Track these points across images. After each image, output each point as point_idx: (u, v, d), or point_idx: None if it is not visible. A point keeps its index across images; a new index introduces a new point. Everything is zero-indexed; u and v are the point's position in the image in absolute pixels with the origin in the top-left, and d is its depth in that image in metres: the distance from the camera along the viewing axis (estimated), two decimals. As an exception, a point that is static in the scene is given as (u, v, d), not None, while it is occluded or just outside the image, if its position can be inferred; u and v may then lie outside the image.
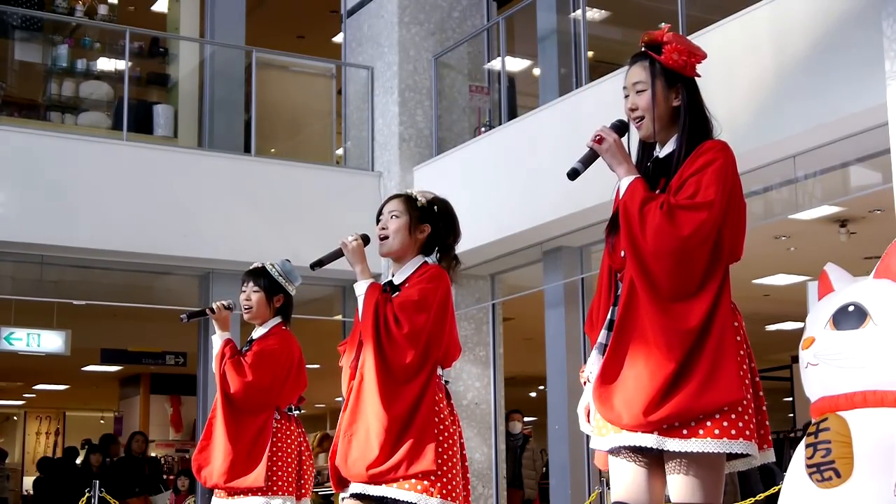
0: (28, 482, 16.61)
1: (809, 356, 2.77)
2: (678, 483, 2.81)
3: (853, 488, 2.57)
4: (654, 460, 2.84)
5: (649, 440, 2.75)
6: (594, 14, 9.94)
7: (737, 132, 6.84)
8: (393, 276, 3.81)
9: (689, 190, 2.84)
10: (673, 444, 2.74)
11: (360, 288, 3.68)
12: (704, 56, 3.03)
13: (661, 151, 3.03)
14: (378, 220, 3.80)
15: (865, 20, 6.14)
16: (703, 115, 3.03)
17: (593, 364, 2.96)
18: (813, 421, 2.76)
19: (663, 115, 2.99)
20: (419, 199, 3.80)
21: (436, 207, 3.83)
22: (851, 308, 2.71)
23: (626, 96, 3.04)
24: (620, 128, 2.99)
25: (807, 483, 2.66)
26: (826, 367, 2.73)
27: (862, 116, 6.29)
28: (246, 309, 4.95)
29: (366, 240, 3.77)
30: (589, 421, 3.02)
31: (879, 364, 2.64)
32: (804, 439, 2.75)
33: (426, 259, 3.82)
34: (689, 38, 7.38)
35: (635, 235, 2.83)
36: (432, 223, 3.79)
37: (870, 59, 6.05)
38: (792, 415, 15.00)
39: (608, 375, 2.84)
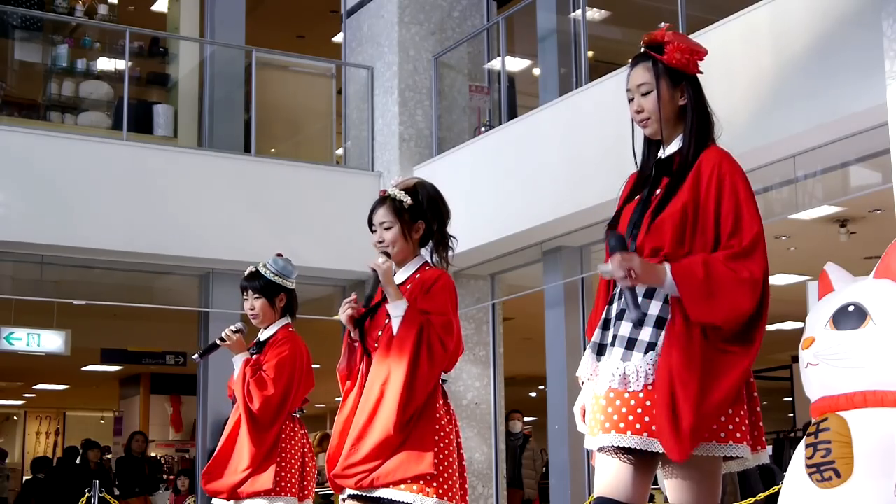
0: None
1: (809, 356, 2.77)
2: (673, 485, 2.81)
3: (853, 488, 2.57)
4: (640, 460, 2.81)
5: (636, 441, 2.74)
6: (594, 14, 9.94)
7: (737, 132, 6.84)
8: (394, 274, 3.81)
9: (727, 225, 2.81)
10: (661, 446, 2.73)
11: (398, 310, 3.63)
12: (706, 53, 3.02)
13: (666, 151, 3.01)
14: (370, 227, 3.78)
15: (865, 20, 6.14)
16: (706, 114, 3.02)
17: (586, 364, 2.94)
18: (813, 421, 2.76)
19: (669, 115, 2.97)
20: (404, 200, 3.75)
21: (420, 197, 3.77)
22: (851, 308, 2.71)
23: (631, 99, 3.01)
24: (622, 241, 2.83)
25: (807, 483, 2.66)
26: (826, 366, 2.73)
27: (862, 116, 6.29)
28: (253, 318, 4.94)
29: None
30: (584, 420, 3.02)
31: (879, 364, 2.64)
32: (804, 439, 2.74)
33: (426, 258, 3.81)
34: (688, 37, 7.41)
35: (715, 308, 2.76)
36: (424, 217, 3.78)
37: (870, 59, 6.04)
38: (792, 415, 14.99)
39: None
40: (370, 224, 3.78)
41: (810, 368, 2.78)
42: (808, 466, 2.66)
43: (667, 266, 2.78)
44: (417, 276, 3.76)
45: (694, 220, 2.84)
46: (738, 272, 2.74)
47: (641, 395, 2.76)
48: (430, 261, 3.84)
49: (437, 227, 3.79)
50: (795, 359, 13.00)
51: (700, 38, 7.26)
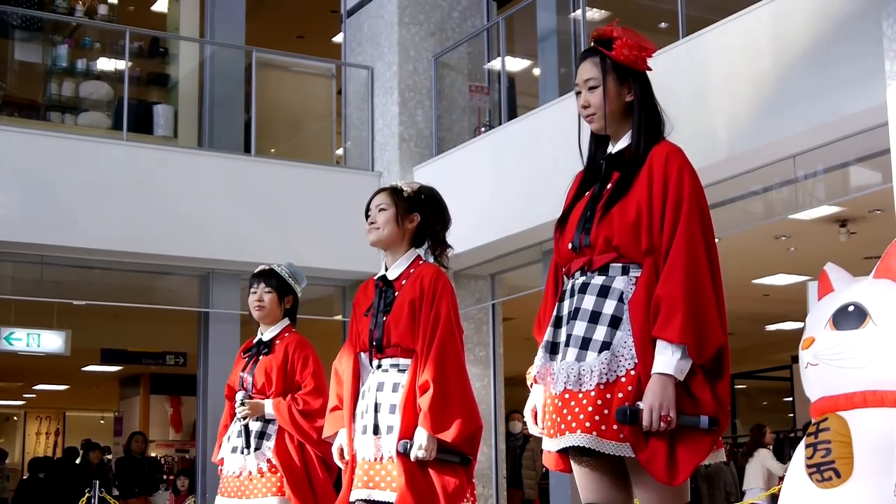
0: (28, 482, 16.63)
1: (809, 356, 2.77)
2: (639, 489, 2.81)
3: (853, 488, 2.57)
4: (608, 462, 2.81)
5: (589, 441, 2.72)
6: (594, 14, 9.94)
7: (737, 132, 6.84)
8: (387, 269, 3.81)
9: (668, 227, 2.80)
10: (609, 448, 2.72)
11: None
12: (654, 49, 2.99)
13: (615, 147, 3.00)
14: (367, 216, 3.81)
15: (865, 20, 6.14)
16: (655, 111, 2.99)
17: (538, 364, 2.91)
18: (813, 421, 2.76)
19: (616, 111, 2.95)
20: (405, 189, 3.81)
21: (423, 196, 3.83)
22: (851, 308, 2.71)
23: (578, 93, 3.00)
24: (628, 415, 2.74)
25: (807, 483, 2.66)
26: (826, 367, 2.72)
27: (862, 116, 6.29)
28: (258, 308, 4.92)
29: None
30: (536, 423, 3.00)
31: (879, 364, 2.64)
32: (804, 439, 2.74)
33: (419, 252, 3.82)
34: (688, 38, 7.41)
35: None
36: (421, 212, 3.80)
37: (870, 59, 6.05)
38: (792, 415, 15.02)
39: None
40: (367, 211, 3.80)
41: (810, 368, 2.78)
42: (808, 466, 2.66)
43: (672, 356, 2.73)
44: (412, 270, 3.77)
45: (649, 217, 2.82)
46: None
47: (593, 394, 2.74)
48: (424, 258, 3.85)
49: (438, 228, 3.81)
50: (795, 359, 13.02)
51: (700, 38, 7.27)
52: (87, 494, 8.03)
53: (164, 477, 14.02)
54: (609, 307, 2.81)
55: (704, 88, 7.16)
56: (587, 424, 2.72)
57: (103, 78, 10.60)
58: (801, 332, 2.86)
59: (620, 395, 2.73)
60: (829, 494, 2.60)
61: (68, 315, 9.75)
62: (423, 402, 3.58)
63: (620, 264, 2.85)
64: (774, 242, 9.48)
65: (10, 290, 9.42)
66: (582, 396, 2.75)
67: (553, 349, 2.89)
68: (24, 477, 15.71)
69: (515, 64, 10.89)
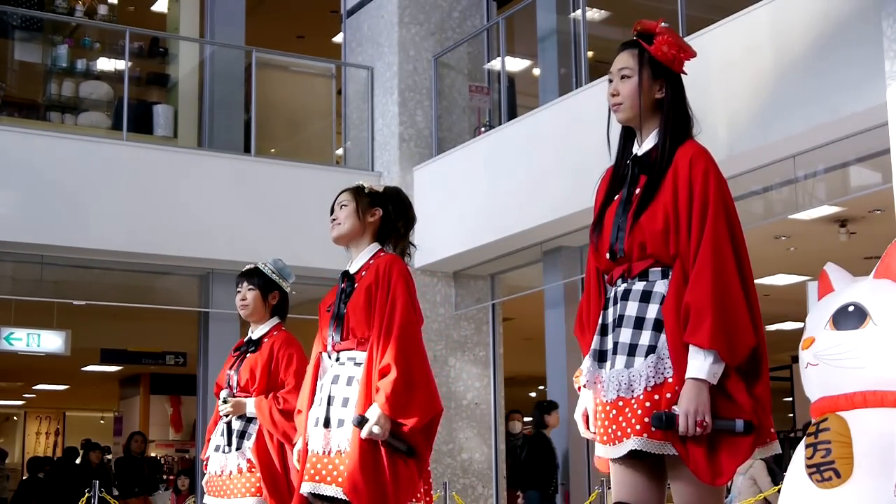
0: (28, 482, 16.63)
1: (809, 356, 2.77)
2: (675, 486, 2.82)
3: (853, 488, 2.57)
4: (650, 463, 2.83)
5: (640, 443, 2.75)
6: (594, 14, 9.95)
7: (737, 132, 6.84)
8: (350, 264, 3.84)
9: (695, 229, 2.80)
10: (656, 447, 2.75)
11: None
12: (694, 54, 3.00)
13: (641, 147, 3.00)
14: (332, 214, 3.87)
15: (865, 20, 6.15)
16: (685, 113, 2.99)
17: (588, 370, 2.94)
18: (813, 421, 2.76)
19: (645, 105, 2.96)
20: (366, 186, 3.88)
21: (384, 191, 3.89)
22: (851, 308, 2.71)
23: (610, 81, 3.01)
24: (669, 420, 2.76)
25: (807, 483, 2.65)
26: (826, 367, 2.72)
27: (862, 116, 6.30)
28: (242, 307, 4.95)
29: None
30: (588, 427, 3.01)
31: (879, 364, 2.64)
32: (804, 439, 2.74)
33: (381, 248, 3.83)
34: (688, 38, 7.40)
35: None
36: (383, 206, 3.83)
37: (870, 60, 6.05)
38: (792, 415, 15.02)
39: None
40: (332, 212, 3.86)
41: (810, 368, 2.78)
42: (808, 466, 2.66)
43: (704, 362, 2.73)
44: (372, 262, 3.79)
45: (675, 223, 2.83)
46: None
47: (642, 397, 2.78)
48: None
49: (401, 224, 3.84)
50: (795, 359, 13.02)
51: (700, 38, 7.27)
52: (87, 494, 8.02)
53: (164, 477, 14.03)
54: (652, 311, 2.83)
55: (704, 88, 7.16)
56: (638, 427, 2.76)
57: (103, 78, 10.60)
58: (801, 332, 2.86)
59: (668, 395, 2.76)
60: (828, 494, 2.60)
61: (68, 315, 9.75)
62: (384, 385, 3.52)
63: (660, 268, 2.87)
64: (774, 242, 9.48)
65: (10, 290, 9.42)
66: (634, 402, 2.79)
67: (601, 357, 2.92)
68: (24, 477, 15.71)
69: (515, 64, 10.90)
